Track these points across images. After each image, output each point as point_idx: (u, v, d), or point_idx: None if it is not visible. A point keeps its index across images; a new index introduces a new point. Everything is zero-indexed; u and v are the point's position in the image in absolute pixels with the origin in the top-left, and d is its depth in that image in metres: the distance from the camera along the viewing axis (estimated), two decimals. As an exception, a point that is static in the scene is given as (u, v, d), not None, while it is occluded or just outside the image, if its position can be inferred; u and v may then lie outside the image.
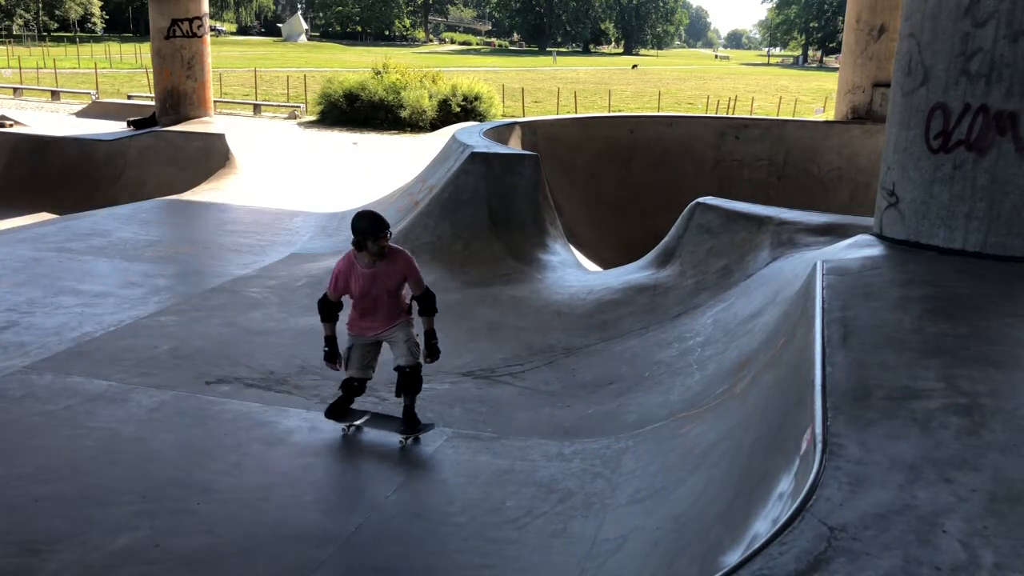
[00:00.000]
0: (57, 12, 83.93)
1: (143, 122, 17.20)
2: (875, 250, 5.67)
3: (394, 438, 5.31)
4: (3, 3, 74.20)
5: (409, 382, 5.25)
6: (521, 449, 5.24)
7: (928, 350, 3.83)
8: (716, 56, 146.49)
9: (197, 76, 17.31)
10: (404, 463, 5.08)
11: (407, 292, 5.28)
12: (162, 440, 5.19)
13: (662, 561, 3.61)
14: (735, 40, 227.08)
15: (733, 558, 2.71)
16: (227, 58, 58.30)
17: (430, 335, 5.23)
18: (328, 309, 5.25)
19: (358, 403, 5.48)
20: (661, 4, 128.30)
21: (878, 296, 4.72)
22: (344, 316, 5.30)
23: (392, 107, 31.97)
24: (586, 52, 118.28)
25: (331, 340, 5.24)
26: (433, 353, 5.22)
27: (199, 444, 5.16)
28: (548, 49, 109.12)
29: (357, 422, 5.42)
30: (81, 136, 16.56)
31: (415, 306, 5.31)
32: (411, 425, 5.29)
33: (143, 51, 50.52)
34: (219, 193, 13.88)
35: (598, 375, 6.42)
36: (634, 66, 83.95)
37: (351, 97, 32.39)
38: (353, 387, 5.34)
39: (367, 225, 5.04)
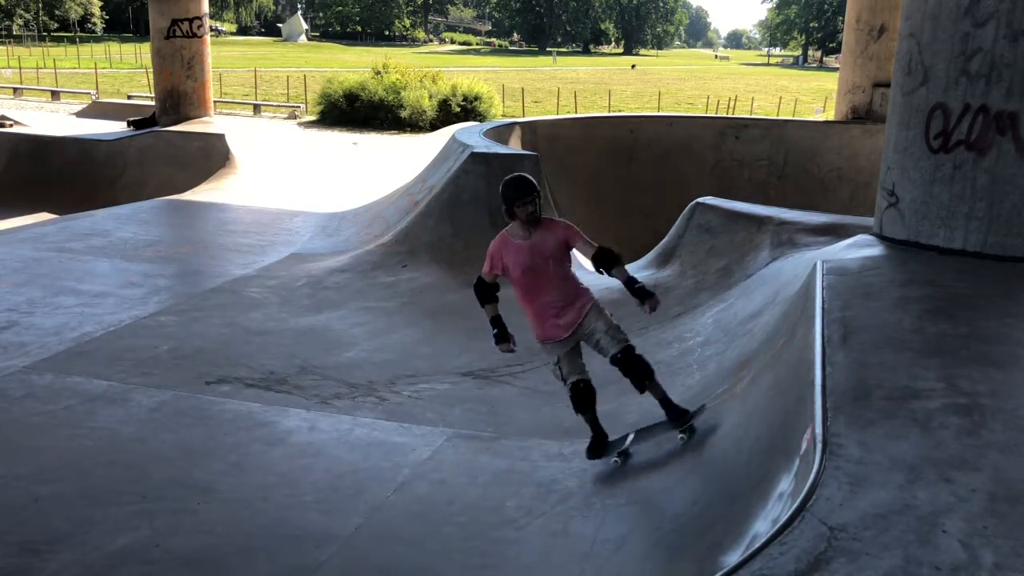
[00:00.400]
0: (57, 12, 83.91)
1: (143, 122, 17.20)
2: (875, 250, 5.67)
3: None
4: (3, 3, 74.18)
5: (631, 367, 4.58)
6: (521, 449, 5.24)
7: (928, 350, 3.83)
8: (716, 56, 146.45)
9: (197, 76, 17.31)
10: (404, 463, 5.07)
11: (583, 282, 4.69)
12: (162, 440, 5.19)
13: (662, 561, 3.61)
14: (735, 40, 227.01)
15: (733, 558, 2.72)
16: (227, 58, 58.29)
17: (631, 281, 4.57)
18: (485, 290, 4.68)
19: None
20: (661, 4, 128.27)
21: (878, 296, 4.72)
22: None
23: (392, 107, 31.97)
24: (586, 52, 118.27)
25: (497, 320, 4.68)
26: (647, 296, 4.50)
27: (199, 444, 5.16)
28: (548, 49, 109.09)
29: (623, 447, 4.75)
30: (81, 136, 16.56)
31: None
32: (678, 417, 4.61)
33: (143, 51, 50.51)
34: (219, 193, 13.88)
35: (598, 375, 6.41)
36: (633, 66, 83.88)
37: (351, 97, 32.40)
38: (580, 390, 4.69)
39: (511, 191, 4.47)
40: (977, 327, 4.20)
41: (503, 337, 4.68)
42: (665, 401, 4.65)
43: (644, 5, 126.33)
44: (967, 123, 5.32)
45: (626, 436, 4.80)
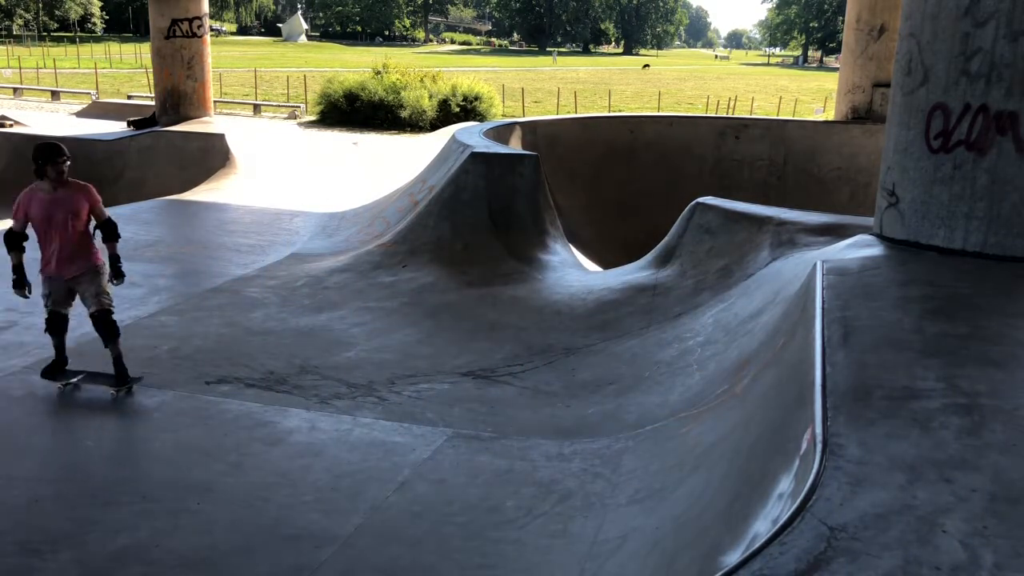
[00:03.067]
0: (57, 12, 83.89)
1: (143, 122, 17.20)
2: (875, 250, 5.67)
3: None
4: (3, 3, 74.17)
5: (103, 327, 5.73)
6: (521, 449, 5.24)
7: (928, 350, 3.83)
8: (716, 56, 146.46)
9: (197, 76, 17.30)
10: (404, 463, 5.08)
11: (101, 253, 5.74)
12: (162, 440, 5.19)
13: (662, 561, 3.61)
14: (735, 40, 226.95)
15: (733, 558, 2.71)
16: (227, 58, 58.28)
17: (115, 259, 5.76)
18: (12, 239, 5.71)
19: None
20: (661, 4, 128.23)
21: (878, 296, 4.72)
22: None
23: (392, 107, 31.94)
24: (586, 52, 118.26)
25: (18, 268, 5.73)
26: (119, 275, 5.76)
27: (199, 444, 5.16)
28: (548, 49, 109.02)
29: (72, 380, 5.82)
30: (81, 136, 16.55)
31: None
32: (121, 378, 5.74)
33: (143, 51, 50.51)
34: (219, 193, 13.88)
35: (598, 375, 6.42)
36: (645, 66, 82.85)
37: (351, 97, 32.36)
38: (55, 322, 5.79)
39: (44, 152, 5.53)
40: (977, 327, 4.20)
41: (21, 283, 5.72)
42: (117, 361, 5.78)
43: (644, 5, 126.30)
44: (967, 123, 5.32)
45: (79, 373, 5.90)
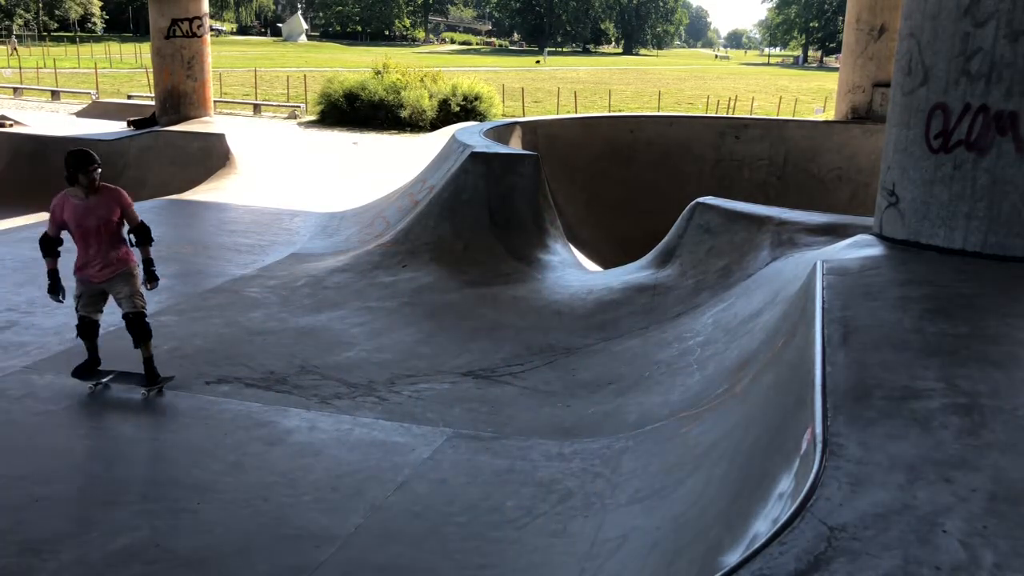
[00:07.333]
0: (57, 12, 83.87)
1: (143, 122, 17.19)
2: (875, 250, 5.67)
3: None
4: (3, 3, 74.16)
5: (135, 329, 5.78)
6: (521, 449, 5.24)
7: (928, 350, 3.83)
8: (716, 56, 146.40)
9: (197, 76, 17.30)
10: (404, 463, 5.08)
11: (131, 253, 5.82)
12: (162, 440, 5.19)
13: (662, 561, 3.61)
14: (735, 40, 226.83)
15: (733, 558, 2.71)
16: (227, 58, 58.25)
17: (148, 263, 5.84)
18: (47, 244, 5.76)
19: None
20: (661, 4, 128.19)
21: (878, 296, 4.72)
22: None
23: (392, 107, 31.93)
24: (586, 52, 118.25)
25: (53, 273, 5.77)
26: (152, 279, 5.83)
27: (199, 444, 5.17)
28: (535, 48, 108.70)
29: (103, 380, 5.88)
30: (81, 136, 16.55)
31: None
32: (152, 378, 5.80)
33: (143, 51, 50.49)
34: (219, 193, 13.88)
35: (598, 375, 6.42)
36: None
37: (351, 97, 32.35)
38: (85, 327, 5.84)
39: (75, 160, 5.54)
40: (977, 327, 4.20)
41: (55, 288, 5.79)
42: (148, 362, 5.84)
43: (644, 5, 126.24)
44: (967, 123, 5.32)
45: (109, 373, 5.95)
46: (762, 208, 7.96)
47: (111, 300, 5.91)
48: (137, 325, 5.79)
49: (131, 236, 5.83)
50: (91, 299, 5.80)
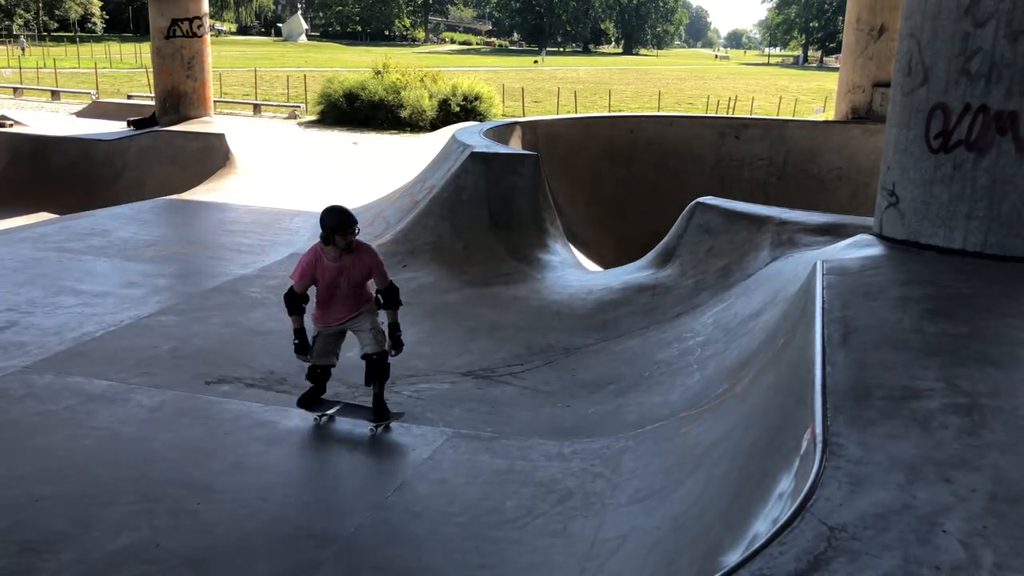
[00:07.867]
0: (57, 12, 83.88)
1: (143, 122, 17.19)
2: (875, 250, 5.67)
3: (366, 429, 5.37)
4: (3, 3, 74.15)
5: (376, 370, 5.37)
6: (521, 449, 5.24)
7: (928, 350, 3.83)
8: (716, 56, 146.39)
9: (197, 76, 17.30)
10: (404, 463, 5.08)
11: (371, 285, 5.43)
12: (162, 440, 5.19)
13: (662, 561, 3.61)
14: (735, 40, 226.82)
15: (733, 558, 2.71)
16: (227, 58, 58.25)
17: (394, 327, 5.37)
18: (294, 301, 5.38)
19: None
20: (661, 4, 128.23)
21: (878, 296, 4.72)
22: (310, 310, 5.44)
23: (392, 107, 31.95)
24: (586, 52, 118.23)
25: (300, 332, 5.38)
26: (397, 345, 5.38)
27: (199, 444, 5.16)
28: (534, 47, 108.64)
29: (329, 411, 5.56)
30: (81, 136, 16.55)
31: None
32: (381, 414, 5.43)
33: (143, 51, 50.48)
34: (219, 193, 13.88)
35: (598, 375, 6.42)
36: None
37: (351, 97, 32.37)
38: (317, 375, 5.46)
39: (335, 221, 5.17)
40: (977, 327, 4.20)
41: (304, 348, 5.38)
42: (378, 398, 5.44)
43: (644, 5, 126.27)
44: (967, 123, 5.32)
45: (336, 403, 5.61)
46: (762, 208, 7.96)
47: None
48: (379, 367, 5.39)
49: (379, 296, 5.45)
50: (328, 340, 5.43)
